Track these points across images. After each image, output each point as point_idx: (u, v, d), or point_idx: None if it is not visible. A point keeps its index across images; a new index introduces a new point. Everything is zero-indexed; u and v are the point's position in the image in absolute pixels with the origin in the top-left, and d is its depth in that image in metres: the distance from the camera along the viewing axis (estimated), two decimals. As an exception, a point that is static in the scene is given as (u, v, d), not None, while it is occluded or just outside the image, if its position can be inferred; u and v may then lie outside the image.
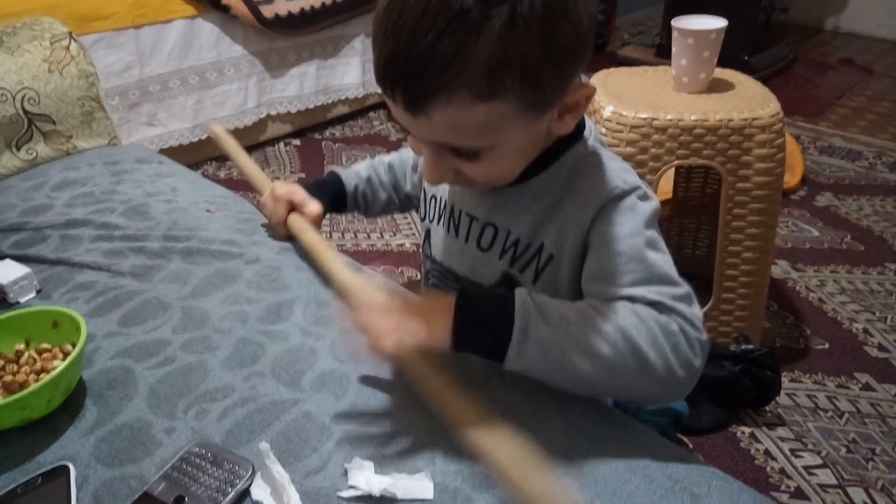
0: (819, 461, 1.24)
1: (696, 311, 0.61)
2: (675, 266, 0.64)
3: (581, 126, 0.70)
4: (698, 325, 0.60)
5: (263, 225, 1.01)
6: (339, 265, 0.80)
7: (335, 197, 0.95)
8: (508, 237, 0.72)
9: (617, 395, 0.66)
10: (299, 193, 0.91)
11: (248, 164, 1.05)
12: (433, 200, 0.83)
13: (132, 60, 2.03)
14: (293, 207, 0.91)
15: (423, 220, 0.87)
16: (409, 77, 0.54)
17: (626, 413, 0.69)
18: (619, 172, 0.68)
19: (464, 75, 0.52)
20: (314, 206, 0.90)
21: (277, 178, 2.26)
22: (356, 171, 0.98)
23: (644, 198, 0.66)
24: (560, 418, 0.65)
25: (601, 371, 0.59)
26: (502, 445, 0.57)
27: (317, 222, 0.91)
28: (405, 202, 0.99)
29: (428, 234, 0.85)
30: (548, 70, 0.55)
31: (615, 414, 0.68)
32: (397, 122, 0.62)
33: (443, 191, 0.81)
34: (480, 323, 0.60)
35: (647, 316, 0.59)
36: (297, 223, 0.91)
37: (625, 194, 0.65)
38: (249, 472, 0.59)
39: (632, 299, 0.61)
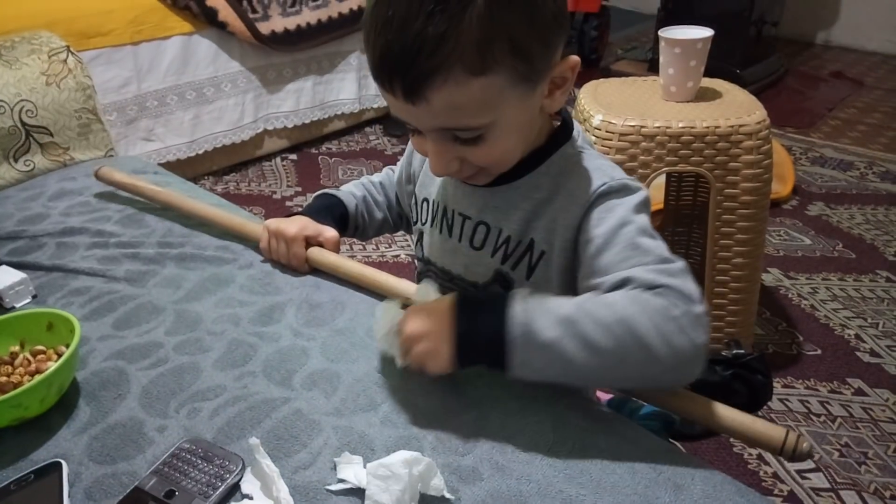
0: (812, 465, 1.25)
1: (692, 286, 0.61)
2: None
3: (570, 128, 0.73)
4: (697, 299, 0.59)
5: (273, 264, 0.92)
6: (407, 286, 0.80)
7: (340, 219, 0.92)
8: (500, 235, 0.74)
9: (628, 385, 0.65)
10: (310, 226, 0.87)
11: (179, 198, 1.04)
12: (425, 203, 0.84)
13: (130, 76, 2.05)
14: (308, 241, 0.88)
15: (415, 224, 0.88)
16: (404, 63, 0.56)
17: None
18: (607, 170, 0.70)
19: (456, 52, 0.55)
20: (330, 233, 0.87)
21: (274, 193, 2.29)
22: (350, 192, 0.95)
23: (630, 190, 0.68)
24: (546, 412, 0.66)
25: (608, 365, 0.59)
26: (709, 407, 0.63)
27: (336, 248, 0.89)
28: (398, 221, 0.98)
29: (420, 236, 0.86)
30: (534, 41, 0.59)
31: (600, 407, 0.69)
32: (400, 119, 0.63)
33: (435, 193, 0.82)
34: (481, 342, 0.61)
35: (645, 302, 0.58)
36: (322, 256, 0.87)
37: (612, 189, 0.67)
38: (239, 467, 0.60)
39: (628, 281, 0.61)
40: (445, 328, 0.62)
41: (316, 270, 0.90)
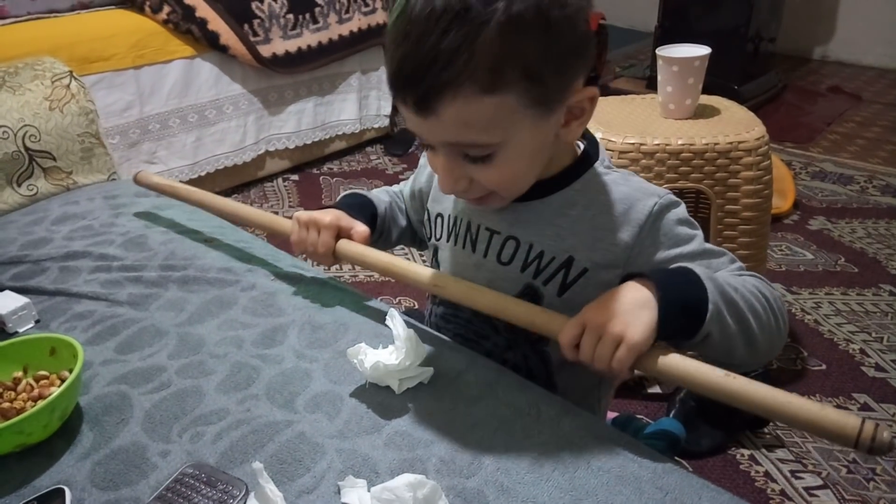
0: (819, 482, 1.24)
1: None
2: None
3: (596, 149, 0.75)
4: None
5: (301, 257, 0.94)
6: (475, 290, 0.75)
7: (370, 219, 0.90)
8: (531, 250, 0.74)
9: (758, 358, 0.68)
10: (345, 218, 0.86)
11: (223, 201, 1.04)
12: (439, 219, 0.84)
13: (132, 100, 2.07)
14: (339, 233, 0.86)
15: (429, 239, 0.87)
16: (418, 75, 0.58)
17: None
18: (646, 187, 0.72)
19: (468, 69, 0.57)
20: (362, 228, 0.86)
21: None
22: (377, 195, 0.95)
23: (676, 202, 0.72)
24: (551, 432, 0.65)
25: (757, 326, 0.64)
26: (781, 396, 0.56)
27: (366, 244, 0.86)
28: (414, 235, 0.98)
29: (436, 252, 0.86)
30: (549, 68, 0.59)
31: (605, 428, 0.68)
32: (413, 133, 0.64)
33: (449, 208, 0.82)
34: (681, 300, 0.62)
35: (755, 280, 0.68)
36: (351, 247, 0.85)
37: (663, 207, 0.70)
38: (243, 492, 0.60)
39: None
40: (641, 301, 0.61)
41: (322, 289, 0.90)
